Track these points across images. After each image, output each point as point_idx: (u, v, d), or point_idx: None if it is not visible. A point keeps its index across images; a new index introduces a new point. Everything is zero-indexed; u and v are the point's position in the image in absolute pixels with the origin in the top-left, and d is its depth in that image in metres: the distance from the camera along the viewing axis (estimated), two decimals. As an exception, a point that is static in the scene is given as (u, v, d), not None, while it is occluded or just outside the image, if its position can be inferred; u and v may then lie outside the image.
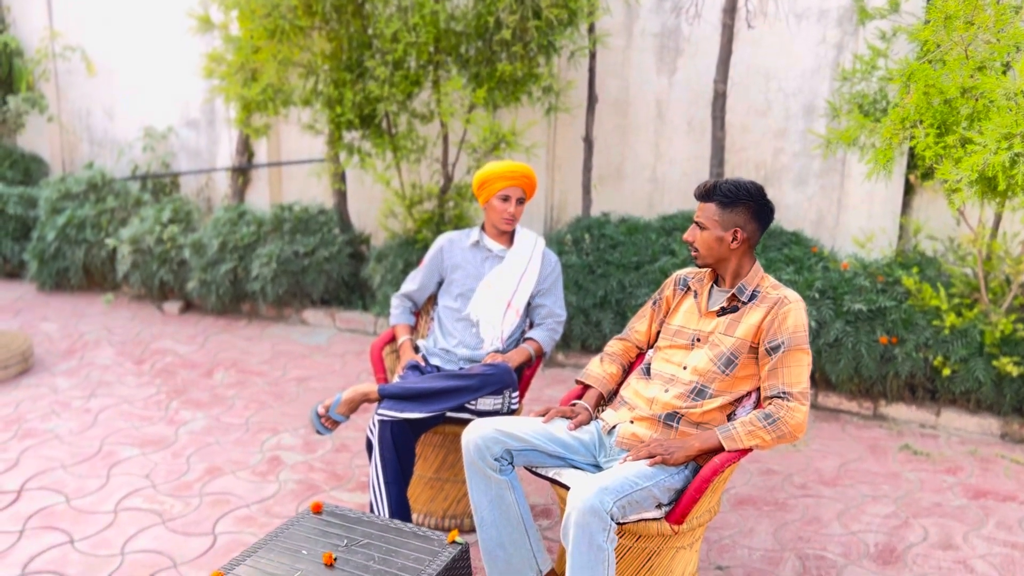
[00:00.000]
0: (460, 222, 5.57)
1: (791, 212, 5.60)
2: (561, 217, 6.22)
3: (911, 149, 4.94)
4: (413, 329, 3.69)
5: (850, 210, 5.41)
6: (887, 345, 4.46)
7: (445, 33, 4.79)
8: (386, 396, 3.09)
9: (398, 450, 3.05)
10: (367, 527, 2.53)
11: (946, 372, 4.36)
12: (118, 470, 3.90)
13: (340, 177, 5.97)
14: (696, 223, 2.75)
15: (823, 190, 5.55)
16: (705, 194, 2.72)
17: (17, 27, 7.81)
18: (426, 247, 5.51)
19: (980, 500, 3.81)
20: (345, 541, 2.44)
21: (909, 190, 5.33)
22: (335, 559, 2.33)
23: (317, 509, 2.61)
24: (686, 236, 2.80)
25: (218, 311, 6.13)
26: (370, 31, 5.02)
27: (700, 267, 2.85)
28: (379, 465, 3.05)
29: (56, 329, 5.78)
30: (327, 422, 3.14)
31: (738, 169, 5.69)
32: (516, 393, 3.21)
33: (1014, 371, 4.18)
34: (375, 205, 6.47)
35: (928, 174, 4.65)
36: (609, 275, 5.02)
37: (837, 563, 3.29)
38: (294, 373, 5.13)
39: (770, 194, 5.43)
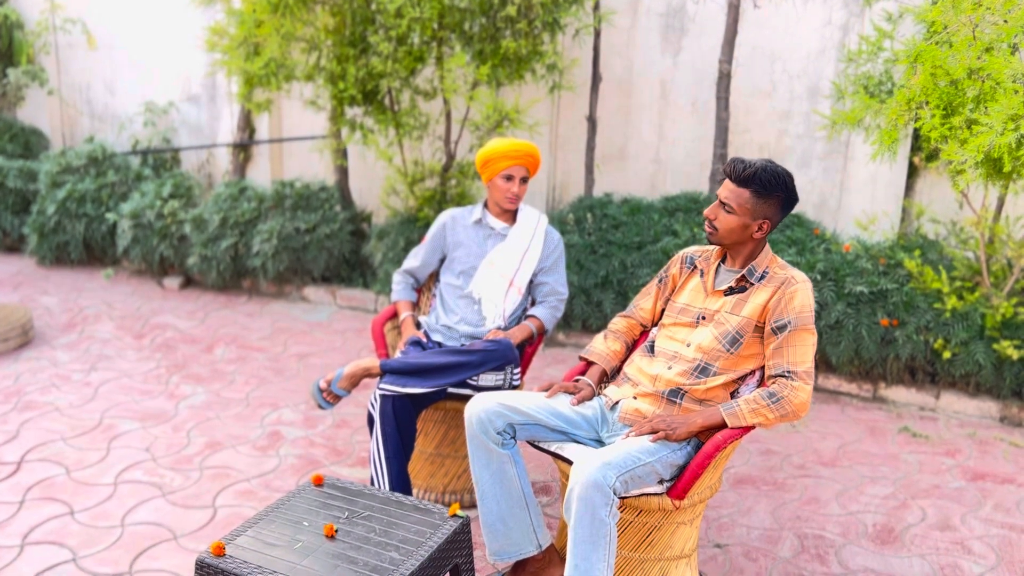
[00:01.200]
0: (462, 200, 5.55)
1: (794, 194, 5.57)
2: (563, 197, 6.20)
3: (916, 131, 4.93)
4: (415, 305, 3.68)
5: (853, 192, 5.39)
6: (888, 327, 4.46)
7: (449, 9, 4.76)
8: (388, 371, 3.08)
9: (399, 425, 3.05)
10: (368, 499, 2.53)
11: (946, 355, 4.36)
12: (118, 443, 3.90)
13: (342, 153, 5.95)
14: (722, 203, 2.68)
15: (826, 172, 5.53)
16: (743, 180, 2.61)
17: (17, -1, 7.76)
18: (428, 225, 5.49)
19: (978, 482, 3.82)
20: (346, 513, 2.44)
21: (912, 173, 5.31)
22: (336, 531, 2.34)
23: (318, 482, 2.61)
24: (707, 212, 2.73)
25: (218, 287, 6.12)
26: (373, 6, 4.99)
27: (713, 244, 2.82)
28: (380, 439, 3.05)
29: (56, 303, 5.77)
30: (329, 396, 3.13)
31: (741, 151, 5.66)
32: (518, 369, 3.21)
33: (1015, 354, 4.19)
34: (377, 183, 6.45)
35: (932, 156, 4.63)
36: (611, 255, 5.01)
37: (835, 542, 3.30)
38: (295, 349, 5.13)
39: (773, 175, 5.41)
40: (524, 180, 3.42)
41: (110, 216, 6.15)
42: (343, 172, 6.18)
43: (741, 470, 3.86)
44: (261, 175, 6.89)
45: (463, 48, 4.90)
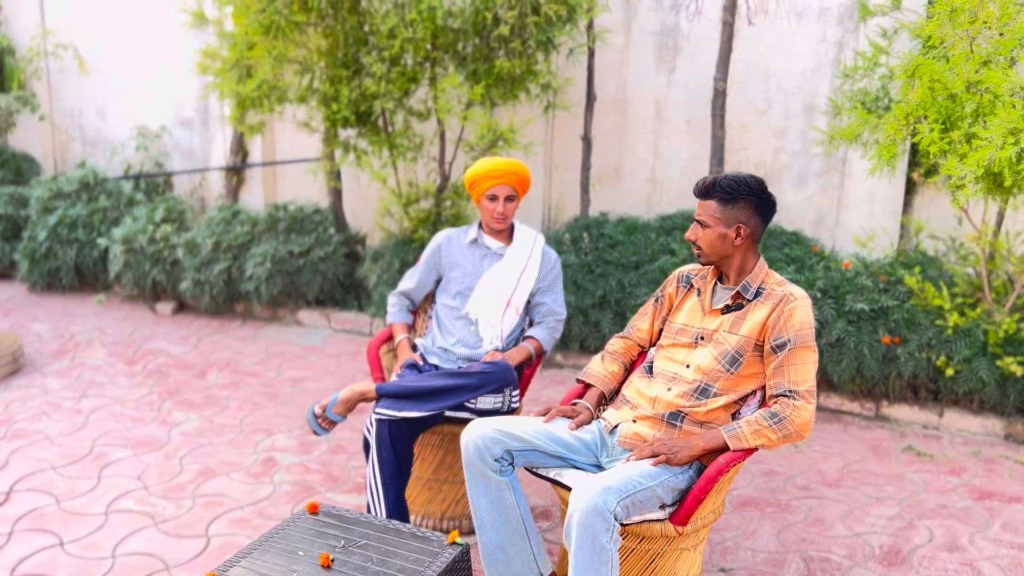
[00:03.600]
0: (458, 220, 5.51)
1: (791, 212, 5.55)
2: (559, 217, 6.16)
3: (913, 146, 4.90)
4: (411, 328, 3.63)
5: (851, 209, 5.36)
6: (889, 345, 4.41)
7: (442, 30, 4.73)
8: (384, 395, 3.03)
9: (396, 450, 2.99)
10: (365, 527, 2.47)
11: (949, 372, 4.31)
12: (109, 471, 3.83)
13: (336, 175, 5.91)
14: (698, 221, 2.69)
15: (823, 189, 5.50)
16: (705, 191, 2.66)
17: (8, 25, 7.73)
18: (423, 246, 5.45)
19: (985, 501, 3.76)
20: (343, 542, 2.37)
21: (910, 189, 5.28)
22: (332, 560, 2.27)
23: (313, 509, 2.55)
24: (688, 235, 2.73)
25: (212, 311, 6.05)
26: (366, 28, 4.96)
27: (704, 264, 2.80)
28: (376, 465, 2.99)
29: (47, 329, 5.70)
30: (324, 422, 3.07)
31: (737, 168, 5.63)
32: (516, 391, 3.15)
33: (1018, 371, 4.13)
34: (370, 204, 6.41)
35: (931, 171, 4.60)
36: (608, 275, 4.96)
37: (842, 565, 3.24)
38: (289, 374, 5.06)
39: (770, 193, 5.36)
40: (510, 199, 3.37)
41: (102, 241, 6.10)
42: (337, 195, 6.14)
43: (744, 492, 3.79)
44: (254, 198, 6.85)
45: (456, 68, 4.87)
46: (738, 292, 2.71)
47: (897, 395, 4.54)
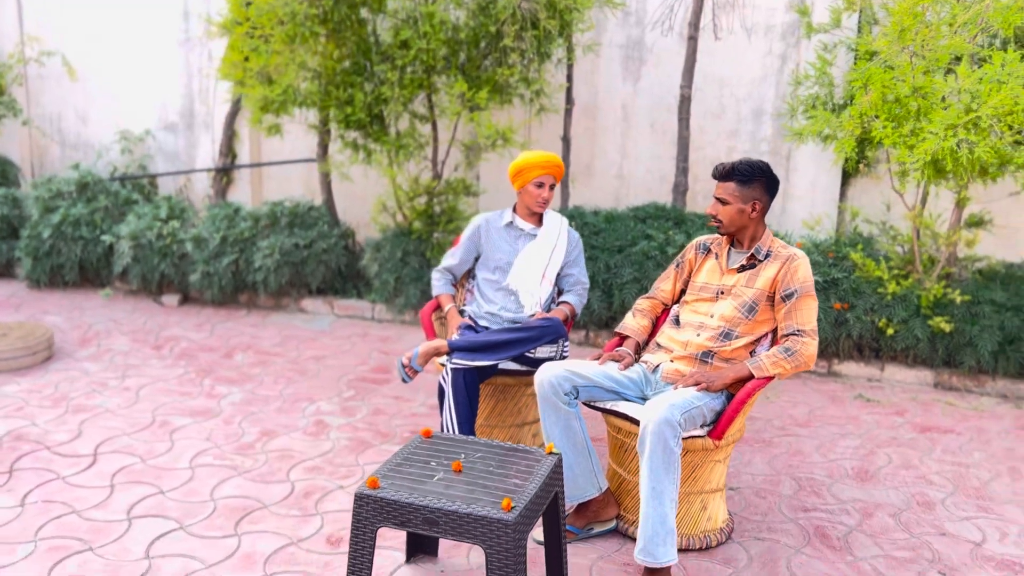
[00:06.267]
0: (453, 214, 6.07)
1: (743, 203, 6.33)
2: (534, 211, 6.80)
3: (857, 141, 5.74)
4: (453, 298, 4.20)
5: (795, 199, 6.17)
6: (840, 311, 5.21)
7: (450, 41, 5.32)
8: (456, 349, 3.60)
9: (469, 394, 3.56)
10: (473, 446, 3.03)
11: (890, 332, 5.13)
12: (179, 435, 4.26)
13: (327, 176, 6.40)
14: (717, 199, 3.32)
15: (770, 183, 6.30)
16: (725, 175, 3.29)
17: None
18: (420, 239, 6.01)
19: (926, 434, 4.57)
20: (463, 455, 2.94)
21: (845, 180, 6.14)
22: (462, 467, 2.83)
23: (427, 435, 3.10)
24: (709, 210, 3.39)
25: (218, 302, 6.45)
26: (371, 38, 5.50)
27: (722, 235, 3.46)
28: (452, 408, 3.56)
29: (62, 321, 6.00)
30: (409, 371, 3.62)
31: (697, 165, 6.39)
32: (567, 343, 3.76)
33: (946, 328, 4.98)
34: (357, 202, 6.91)
35: (867, 162, 5.42)
36: (596, 258, 5.62)
37: (825, 482, 3.96)
38: (309, 353, 5.54)
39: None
40: (552, 187, 3.99)
41: (106, 238, 6.42)
42: (329, 192, 6.62)
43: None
44: (243, 198, 7.25)
45: (459, 76, 5.45)
46: (752, 254, 3.39)
47: (846, 354, 5.35)
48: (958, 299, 5.05)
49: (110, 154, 7.59)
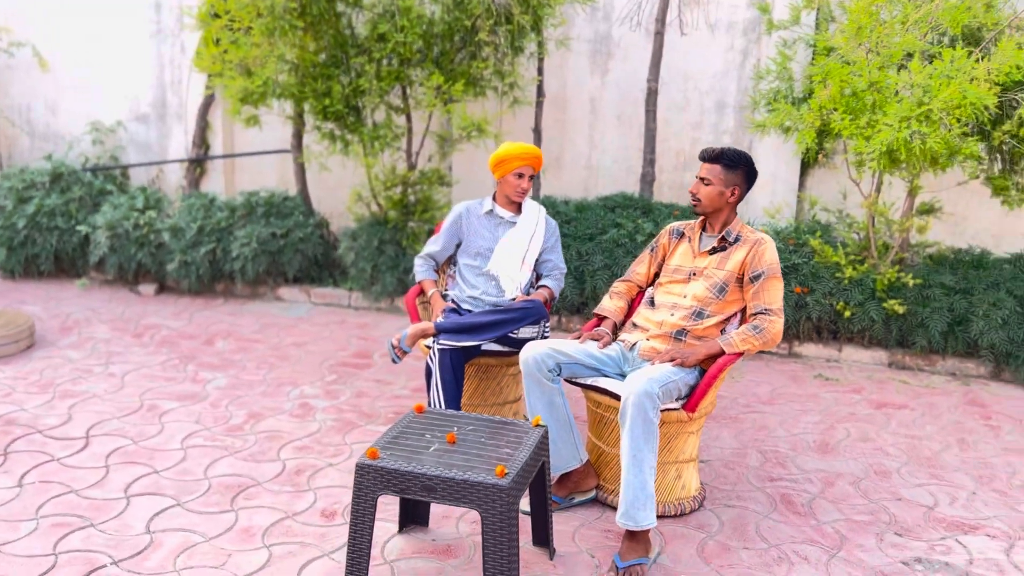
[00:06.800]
0: (428, 203, 6.23)
1: (707, 192, 6.58)
2: (505, 201, 6.98)
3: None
4: (436, 283, 4.36)
5: (757, 189, 6.42)
6: (800, 295, 5.47)
7: (423, 35, 5.47)
8: (443, 330, 3.77)
9: (455, 374, 3.74)
10: (463, 420, 3.20)
11: (847, 314, 5.41)
12: (168, 418, 4.37)
13: (301, 167, 6.51)
14: (701, 179, 3.54)
15: (733, 173, 6.55)
16: (714, 157, 3.52)
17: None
18: (396, 227, 6.16)
19: (882, 409, 4.85)
20: (455, 428, 3.11)
21: (804, 171, 6.41)
22: (456, 439, 3.01)
23: (420, 410, 3.27)
24: (691, 189, 3.59)
25: (195, 291, 6.54)
26: (348, 31, 5.63)
27: (699, 215, 3.67)
28: (440, 387, 3.73)
29: (40, 311, 6.05)
30: (399, 352, 3.79)
31: (662, 157, 6.61)
32: (548, 323, 3.96)
33: (900, 310, 5.27)
34: (330, 193, 7.04)
35: (825, 152, 5.68)
36: (568, 246, 5.81)
37: (789, 454, 4.21)
38: (289, 340, 5.67)
39: (686, 177, 6.47)
40: (531, 177, 4.17)
41: (81, 228, 6.47)
42: (303, 183, 6.73)
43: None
44: (215, 189, 7.33)
45: (435, 69, 5.61)
46: (723, 237, 3.60)
47: (806, 335, 5.62)
48: (910, 283, 5.34)
49: (81, 145, 7.61)
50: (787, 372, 5.41)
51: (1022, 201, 5.23)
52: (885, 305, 5.34)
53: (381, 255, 6.13)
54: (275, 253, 6.31)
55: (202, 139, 7.21)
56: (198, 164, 7.26)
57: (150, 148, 7.58)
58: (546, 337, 3.99)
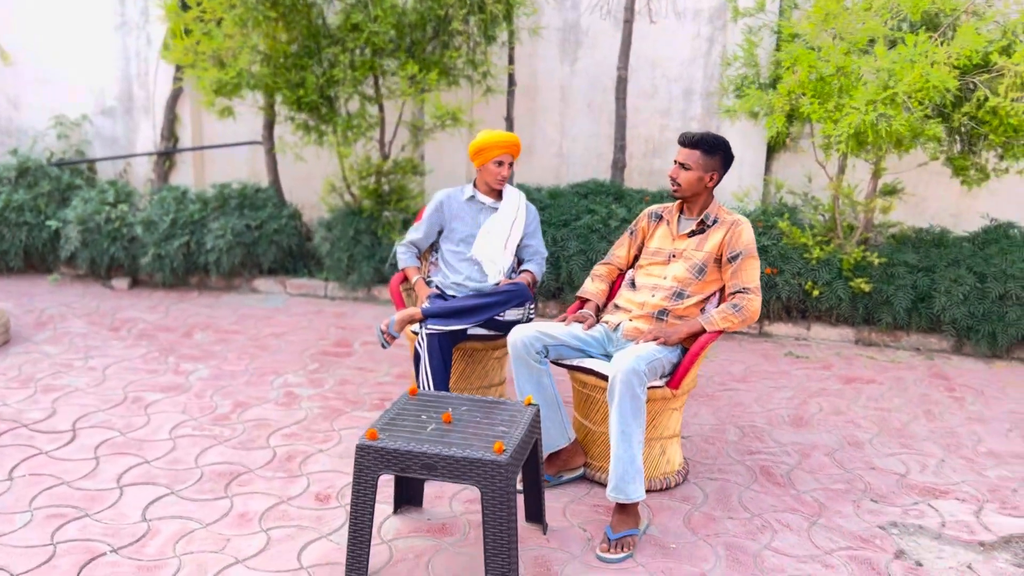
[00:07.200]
0: (402, 193, 6.27)
1: (676, 178, 6.71)
2: (477, 189, 7.05)
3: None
4: (419, 270, 4.43)
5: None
6: (770, 275, 5.62)
7: (396, 25, 5.51)
8: (430, 315, 3.84)
9: (444, 358, 3.81)
10: (457, 401, 3.28)
11: (815, 293, 5.57)
12: (154, 410, 4.38)
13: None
14: (680, 164, 3.64)
15: (701, 159, 6.69)
16: (693, 143, 3.61)
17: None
18: (372, 217, 6.20)
19: (851, 384, 5.02)
20: (449, 408, 3.19)
21: (770, 155, 6.56)
22: (452, 419, 3.09)
23: (414, 392, 3.33)
24: (671, 173, 3.69)
25: (169, 285, 6.52)
26: (320, 21, 5.66)
27: (678, 199, 3.77)
28: (428, 371, 3.80)
29: (12, 307, 5.99)
30: (387, 337, 3.85)
31: (632, 144, 6.73)
32: (533, 306, 4.04)
33: (866, 288, 5.45)
34: (302, 183, 7.04)
35: (790, 136, 5.84)
36: (543, 232, 5.88)
37: (765, 429, 4.35)
38: (268, 330, 5.69)
39: (656, 164, 6.60)
40: (511, 164, 4.25)
41: (51, 223, 6.41)
42: (276, 174, 6.74)
43: (680, 389, 4.86)
44: (185, 182, 7.29)
45: (409, 59, 5.65)
46: (701, 220, 3.71)
47: (776, 315, 5.78)
48: (876, 262, 5.52)
49: (46, 140, 7.51)
50: (758, 351, 5.56)
51: (981, 180, 5.43)
52: (851, 284, 5.51)
53: (357, 245, 6.17)
54: (250, 245, 6.32)
55: (171, 132, 7.17)
56: (167, 157, 7.22)
57: (116, 142, 7.51)
58: (531, 320, 4.08)
